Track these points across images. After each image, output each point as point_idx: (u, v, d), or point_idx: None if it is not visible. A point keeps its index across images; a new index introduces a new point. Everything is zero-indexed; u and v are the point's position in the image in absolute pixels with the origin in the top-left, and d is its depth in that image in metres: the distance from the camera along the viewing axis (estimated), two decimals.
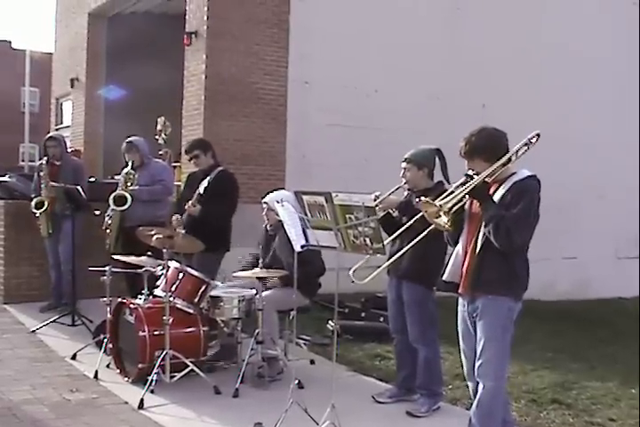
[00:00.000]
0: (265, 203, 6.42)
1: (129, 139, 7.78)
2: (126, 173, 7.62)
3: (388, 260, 5.18)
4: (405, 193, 5.52)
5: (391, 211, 5.33)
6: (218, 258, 6.93)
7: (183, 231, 6.65)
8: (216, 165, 7.12)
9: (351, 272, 4.79)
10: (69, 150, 12.17)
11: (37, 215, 8.22)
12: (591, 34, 12.84)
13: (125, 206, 7.52)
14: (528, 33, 12.15)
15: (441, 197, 4.08)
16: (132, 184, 7.59)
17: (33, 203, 8.17)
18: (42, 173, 8.28)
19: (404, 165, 5.43)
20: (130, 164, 7.65)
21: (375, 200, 5.04)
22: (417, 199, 5.30)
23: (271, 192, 6.50)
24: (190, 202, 6.86)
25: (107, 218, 7.77)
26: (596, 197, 12.94)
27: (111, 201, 7.57)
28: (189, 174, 7.50)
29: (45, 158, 8.37)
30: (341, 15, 10.82)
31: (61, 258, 8.29)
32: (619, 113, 13.28)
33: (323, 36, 10.61)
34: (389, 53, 11.06)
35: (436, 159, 5.46)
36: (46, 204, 8.12)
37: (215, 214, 6.79)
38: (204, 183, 6.96)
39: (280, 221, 5.36)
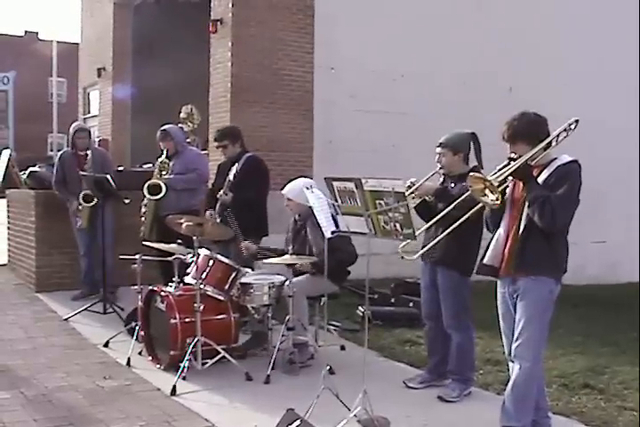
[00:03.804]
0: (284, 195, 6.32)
1: (163, 127, 7.68)
2: (161, 162, 7.57)
3: (423, 246, 5.16)
4: (441, 179, 5.46)
5: (427, 197, 5.29)
6: (256, 243, 6.83)
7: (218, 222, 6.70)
8: (244, 151, 7.15)
9: (400, 248, 4.85)
10: (97, 140, 12.34)
11: (81, 208, 8.22)
12: (621, 16, 12.67)
13: (160, 196, 7.48)
14: (555, 15, 11.98)
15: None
16: (166, 173, 7.54)
17: (81, 195, 8.08)
18: (66, 164, 8.32)
19: (438, 149, 5.36)
20: (164, 152, 7.59)
21: (411, 187, 5.06)
22: (452, 184, 5.31)
23: (289, 182, 6.39)
24: (222, 191, 6.90)
25: (143, 206, 7.72)
26: (625, 180, 12.81)
27: (145, 190, 7.53)
28: (220, 164, 7.47)
29: (70, 148, 8.42)
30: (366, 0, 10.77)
31: (105, 246, 8.05)
32: None
33: (348, 21, 10.55)
34: (415, 38, 10.96)
35: (471, 144, 5.40)
36: (95, 199, 8.02)
37: (247, 201, 6.83)
38: (233, 170, 7.02)
39: (310, 207, 5.36)
